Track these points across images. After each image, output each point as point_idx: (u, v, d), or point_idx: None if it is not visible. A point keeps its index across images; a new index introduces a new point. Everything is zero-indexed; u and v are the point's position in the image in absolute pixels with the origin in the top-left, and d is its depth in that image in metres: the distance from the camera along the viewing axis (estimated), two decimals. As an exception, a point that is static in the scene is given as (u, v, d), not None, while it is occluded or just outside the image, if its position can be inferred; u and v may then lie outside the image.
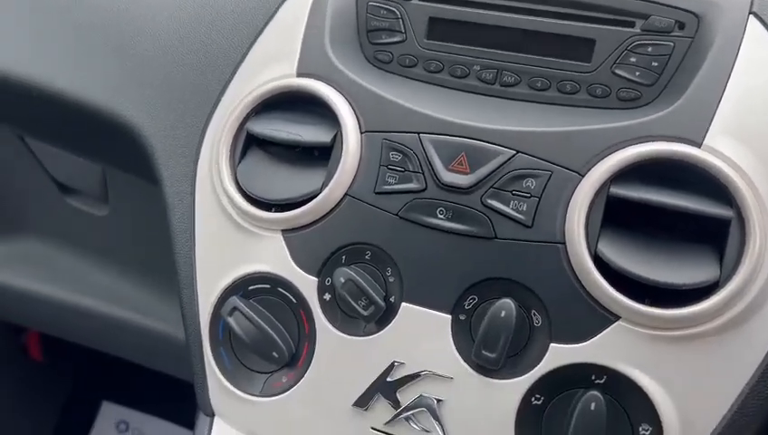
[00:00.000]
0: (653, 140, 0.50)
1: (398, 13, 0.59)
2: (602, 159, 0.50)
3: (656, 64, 0.53)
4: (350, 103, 0.57)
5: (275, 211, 0.56)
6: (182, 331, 0.86)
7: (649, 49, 0.53)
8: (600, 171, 0.50)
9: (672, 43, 0.53)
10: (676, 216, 0.48)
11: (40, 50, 0.72)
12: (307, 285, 0.55)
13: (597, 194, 0.50)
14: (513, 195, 0.51)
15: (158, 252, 0.87)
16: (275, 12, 0.62)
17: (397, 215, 0.53)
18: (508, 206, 0.51)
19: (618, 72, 0.54)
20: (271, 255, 0.56)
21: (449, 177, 0.52)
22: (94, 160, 0.83)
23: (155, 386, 1.31)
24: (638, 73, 0.54)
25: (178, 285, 0.61)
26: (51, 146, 0.87)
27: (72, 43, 0.71)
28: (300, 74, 0.59)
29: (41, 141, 0.87)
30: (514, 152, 0.52)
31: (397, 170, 0.54)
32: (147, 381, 1.31)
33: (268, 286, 0.57)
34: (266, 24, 0.62)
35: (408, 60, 0.59)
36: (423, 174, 0.53)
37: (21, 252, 1.00)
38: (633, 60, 0.54)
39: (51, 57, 0.72)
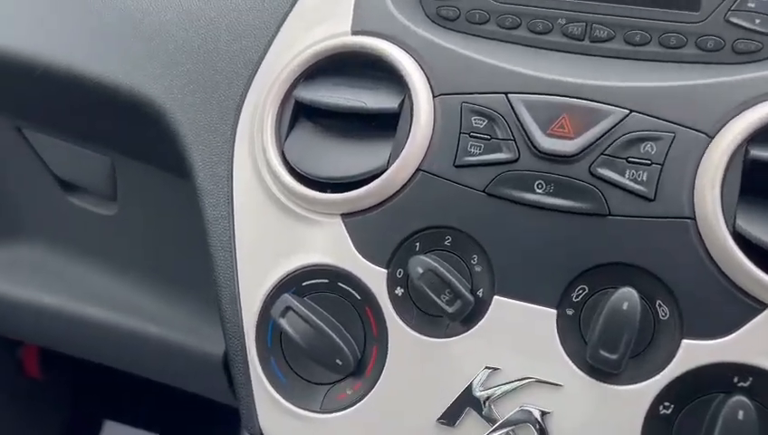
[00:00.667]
0: None
1: None
2: (735, 116, 0.42)
3: None
4: (417, 63, 0.48)
5: (332, 192, 0.48)
6: (205, 342, 0.77)
7: None
8: (735, 131, 0.41)
9: None
10: None
11: (43, 25, 0.64)
12: (374, 277, 0.46)
13: (732, 158, 0.41)
14: (630, 162, 0.43)
15: (175, 254, 0.79)
16: (321, -37, 0.53)
17: (483, 191, 0.45)
18: (624, 175, 0.43)
19: (733, 20, 0.46)
20: (329, 243, 0.47)
21: (548, 143, 0.44)
22: (105, 151, 0.74)
23: (163, 404, 1.22)
24: (758, 21, 0.45)
25: (216, 283, 0.51)
26: (54, 137, 0.77)
27: (80, 14, 0.63)
28: (355, 32, 0.50)
29: (43, 132, 0.77)
30: (628, 111, 0.43)
31: (481, 138, 0.45)
32: (154, 399, 1.22)
33: (326, 281, 0.48)
34: (311, -23, 0.53)
35: (478, 15, 0.51)
36: (515, 141, 0.45)
37: (16, 257, 0.91)
38: (752, 5, 0.46)
39: (57, 32, 0.63)
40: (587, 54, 0.49)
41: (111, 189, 0.80)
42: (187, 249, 0.73)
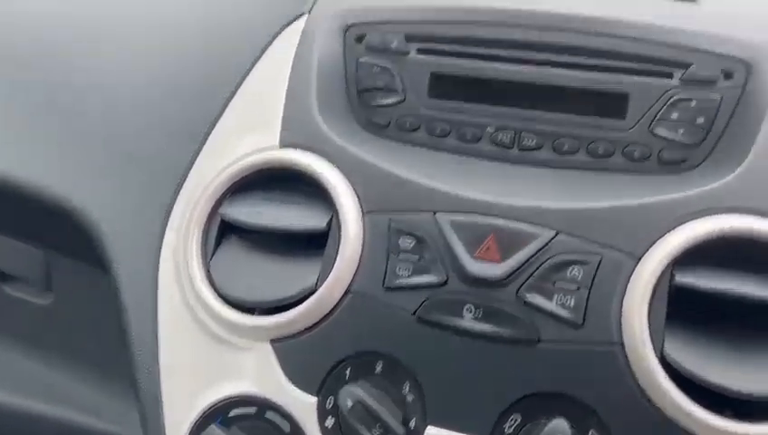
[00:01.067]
0: (719, 213, 0.42)
1: (393, 70, 0.51)
2: (660, 238, 0.42)
3: (701, 121, 0.46)
4: (348, 180, 0.47)
5: (261, 314, 0.46)
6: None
7: (693, 103, 0.46)
8: (661, 254, 0.41)
9: (719, 96, 0.46)
10: (754, 306, 0.40)
11: None
12: (304, 407, 0.45)
13: (658, 282, 0.41)
14: (557, 287, 0.42)
15: (112, 345, 0.76)
16: (249, 71, 0.52)
17: (414, 315, 0.44)
18: (551, 301, 0.42)
19: (657, 131, 0.46)
20: (257, 370, 0.46)
21: (476, 267, 0.43)
22: (35, 246, 0.72)
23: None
24: (681, 132, 0.46)
25: (139, 411, 0.49)
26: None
27: (7, 118, 0.61)
28: (284, 145, 0.49)
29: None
30: (554, 233, 0.43)
31: (410, 260, 0.44)
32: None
33: (254, 411, 0.46)
34: (239, 85, 0.52)
35: (408, 123, 0.50)
36: (443, 263, 0.44)
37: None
38: (674, 116, 0.46)
39: None
40: (517, 163, 0.49)
41: (46, 280, 0.78)
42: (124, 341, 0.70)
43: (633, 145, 0.47)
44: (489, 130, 0.49)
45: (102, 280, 0.68)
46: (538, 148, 0.48)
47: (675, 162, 0.46)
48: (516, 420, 0.42)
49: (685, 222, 0.42)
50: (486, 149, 0.49)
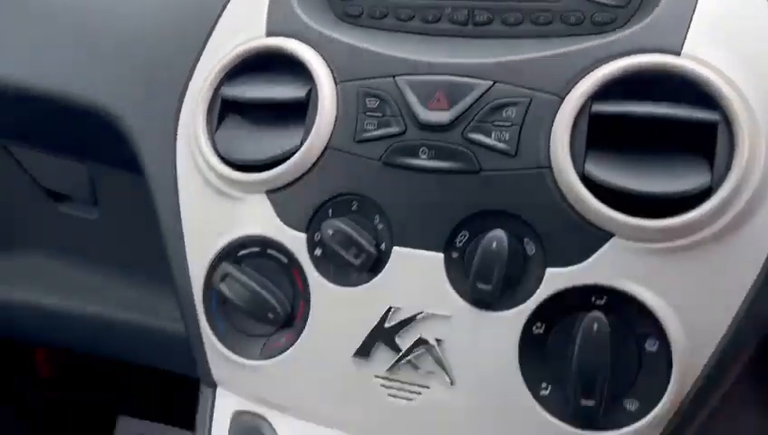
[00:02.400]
0: (631, 55, 0.49)
1: None
2: (581, 79, 0.50)
3: None
4: (322, 56, 0.56)
5: (257, 172, 0.56)
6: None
7: None
8: (580, 91, 0.49)
9: None
10: (662, 126, 0.47)
11: None
12: (296, 242, 0.54)
13: (579, 114, 0.49)
14: (495, 126, 0.50)
15: (156, 249, 0.87)
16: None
17: (380, 160, 0.53)
18: (490, 137, 0.50)
19: None
20: (257, 216, 0.56)
21: (428, 115, 0.52)
22: (76, 158, 0.83)
23: (172, 396, 1.29)
24: None
25: (169, 262, 0.60)
26: (29, 150, 0.86)
27: (24, 28, 0.70)
28: (269, 33, 0.58)
29: (20, 146, 0.86)
30: (491, 83, 0.51)
31: (375, 116, 0.53)
32: (163, 392, 1.29)
33: (258, 249, 0.56)
34: (231, -7, 0.61)
35: (378, 11, 0.58)
36: (402, 116, 0.52)
37: (17, 265, 0.99)
38: None
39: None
40: (471, 37, 0.56)
41: (92, 195, 0.89)
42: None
43: (569, 11, 0.54)
44: (447, 10, 0.57)
45: (141, 189, 0.79)
46: (489, 22, 0.56)
47: (606, 23, 0.53)
48: (465, 236, 0.51)
49: (603, 64, 0.49)
50: (446, 27, 0.57)
